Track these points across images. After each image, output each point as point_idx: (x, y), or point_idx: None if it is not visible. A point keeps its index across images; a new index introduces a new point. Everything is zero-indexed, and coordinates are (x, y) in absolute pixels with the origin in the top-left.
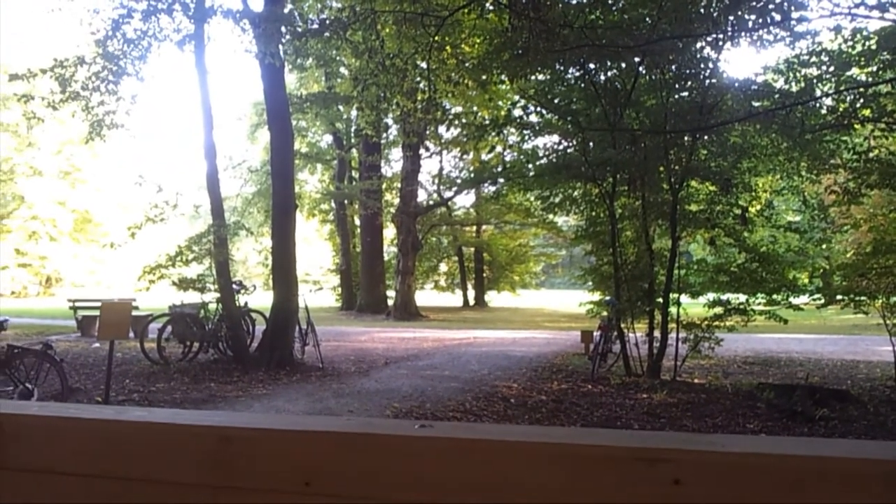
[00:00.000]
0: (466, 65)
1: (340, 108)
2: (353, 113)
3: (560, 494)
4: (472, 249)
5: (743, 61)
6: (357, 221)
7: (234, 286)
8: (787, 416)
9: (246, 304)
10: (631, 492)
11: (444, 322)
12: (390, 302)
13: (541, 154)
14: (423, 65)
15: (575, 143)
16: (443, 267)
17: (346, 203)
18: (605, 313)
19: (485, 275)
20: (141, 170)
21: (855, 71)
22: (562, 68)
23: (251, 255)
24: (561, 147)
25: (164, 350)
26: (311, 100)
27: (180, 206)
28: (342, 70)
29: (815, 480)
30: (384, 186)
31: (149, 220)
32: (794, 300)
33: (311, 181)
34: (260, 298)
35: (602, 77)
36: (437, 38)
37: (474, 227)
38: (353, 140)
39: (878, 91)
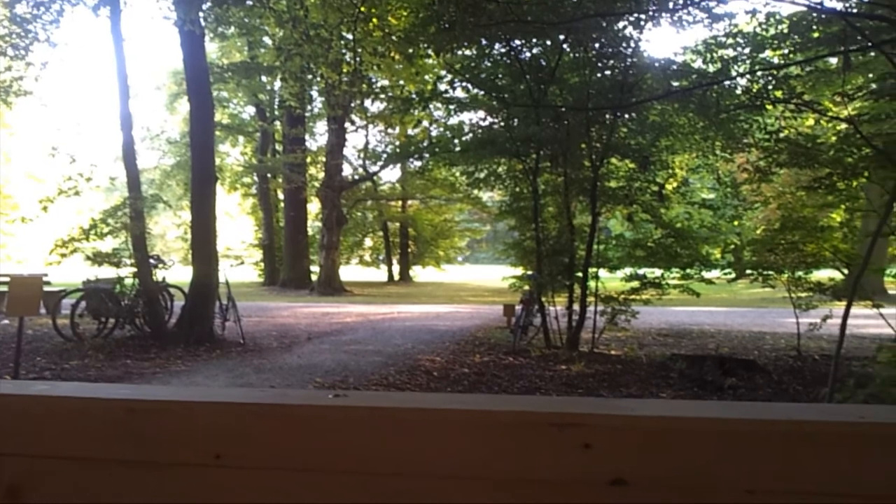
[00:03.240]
0: (392, 37)
1: (264, 78)
2: (277, 84)
3: (473, 460)
4: (398, 224)
5: (664, 41)
6: (280, 195)
7: (151, 261)
8: (697, 385)
9: (164, 279)
10: (542, 456)
11: (368, 297)
12: (314, 277)
13: (466, 129)
14: (349, 36)
15: (500, 119)
16: (368, 242)
17: (269, 177)
18: (526, 287)
19: (410, 250)
20: (53, 140)
21: (768, 53)
22: (487, 44)
23: (170, 230)
24: (486, 123)
25: (78, 326)
26: (232, 69)
27: (95, 178)
28: (265, 39)
29: (721, 441)
30: (309, 160)
31: (62, 192)
32: (707, 274)
33: (232, 154)
34: (180, 274)
35: (527, 54)
36: (362, 8)
37: (400, 202)
38: (276, 112)
39: (789, 73)
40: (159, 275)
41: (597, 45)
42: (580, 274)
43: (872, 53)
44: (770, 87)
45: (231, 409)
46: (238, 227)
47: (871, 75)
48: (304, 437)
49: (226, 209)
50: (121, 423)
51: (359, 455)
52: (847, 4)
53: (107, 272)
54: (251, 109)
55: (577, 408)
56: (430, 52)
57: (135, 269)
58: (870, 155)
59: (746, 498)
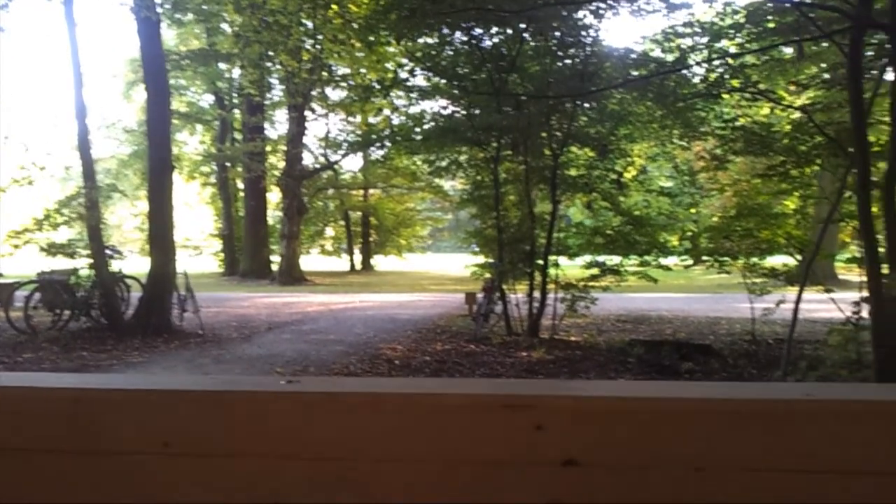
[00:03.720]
0: (353, 25)
1: (222, 66)
2: (236, 72)
3: (427, 443)
4: (359, 213)
5: (623, 31)
6: (240, 185)
7: (107, 251)
8: (655, 370)
9: (120, 270)
10: (494, 438)
11: (329, 286)
12: (274, 267)
13: (428, 118)
14: (309, 23)
15: (461, 107)
16: (329, 231)
17: (228, 166)
18: (488, 275)
19: (371, 239)
20: (6, 129)
21: (725, 42)
22: (448, 32)
23: (127, 220)
24: (447, 111)
25: (32, 319)
26: (190, 57)
27: (49, 167)
28: (224, 26)
29: (671, 420)
30: (269, 149)
31: (15, 182)
32: (664, 261)
33: (191, 142)
34: (137, 264)
35: (488, 42)
36: None
37: (361, 191)
38: (235, 100)
39: (745, 62)
40: (116, 265)
41: (557, 34)
42: (541, 261)
43: (825, 43)
44: (726, 76)
45: (179, 396)
46: (197, 216)
47: (823, 65)
48: (255, 424)
49: (184, 199)
50: (67, 413)
51: (311, 440)
52: None
53: (62, 263)
54: (209, 97)
55: (529, 390)
56: (391, 39)
57: (90, 260)
58: (822, 143)
59: (696, 476)
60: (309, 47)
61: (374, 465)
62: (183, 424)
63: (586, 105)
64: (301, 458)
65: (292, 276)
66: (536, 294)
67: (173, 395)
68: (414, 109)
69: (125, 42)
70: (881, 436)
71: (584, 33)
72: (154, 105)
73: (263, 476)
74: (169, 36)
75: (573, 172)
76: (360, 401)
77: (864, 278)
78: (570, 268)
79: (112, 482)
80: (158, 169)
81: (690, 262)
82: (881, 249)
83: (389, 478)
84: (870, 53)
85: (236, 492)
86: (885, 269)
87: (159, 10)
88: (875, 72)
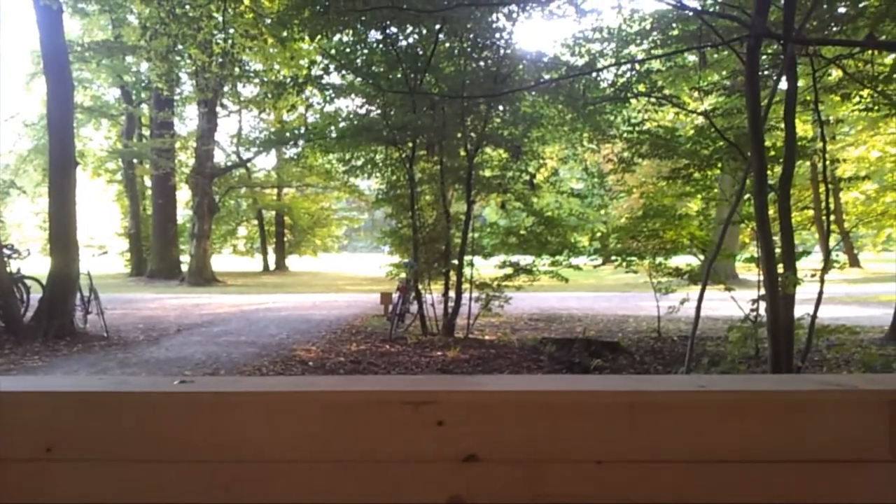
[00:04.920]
0: (266, 20)
1: (129, 59)
2: (144, 65)
3: (324, 442)
4: (273, 213)
5: (535, 37)
6: (147, 182)
7: (5, 251)
8: (566, 366)
9: (19, 270)
10: (395, 435)
11: (242, 287)
12: (184, 267)
13: (343, 116)
14: (219, 17)
15: (377, 106)
16: (242, 231)
17: (135, 162)
18: (403, 275)
19: (286, 239)
20: None
21: (632, 48)
22: (363, 30)
23: (28, 218)
24: (363, 110)
25: None
26: (94, 48)
27: None
28: (131, 17)
29: (570, 413)
30: (178, 145)
31: None
32: (575, 260)
33: (96, 138)
34: (39, 265)
35: (403, 42)
36: None
37: (275, 190)
38: (142, 94)
39: (651, 68)
40: (14, 265)
41: (471, 36)
42: (456, 261)
43: (726, 52)
44: (633, 80)
45: (64, 398)
46: (102, 215)
47: (724, 72)
48: (145, 426)
49: (89, 196)
50: None
51: (204, 442)
52: (703, 3)
53: None
54: (115, 91)
55: (430, 385)
56: (304, 36)
57: None
58: (723, 147)
59: (594, 468)
60: (219, 41)
61: (270, 467)
62: (67, 428)
63: (500, 107)
64: (194, 460)
65: (203, 277)
66: (452, 294)
67: (57, 397)
68: (329, 108)
69: (26, 31)
70: (770, 424)
71: (497, 36)
72: (56, 98)
73: (154, 480)
74: (73, 26)
75: (487, 173)
76: (254, 400)
77: (762, 277)
78: (485, 267)
79: None
80: (61, 165)
81: (600, 261)
82: (777, 250)
83: (286, 479)
84: (768, 63)
85: (125, 498)
86: (780, 269)
87: None
88: (772, 80)
